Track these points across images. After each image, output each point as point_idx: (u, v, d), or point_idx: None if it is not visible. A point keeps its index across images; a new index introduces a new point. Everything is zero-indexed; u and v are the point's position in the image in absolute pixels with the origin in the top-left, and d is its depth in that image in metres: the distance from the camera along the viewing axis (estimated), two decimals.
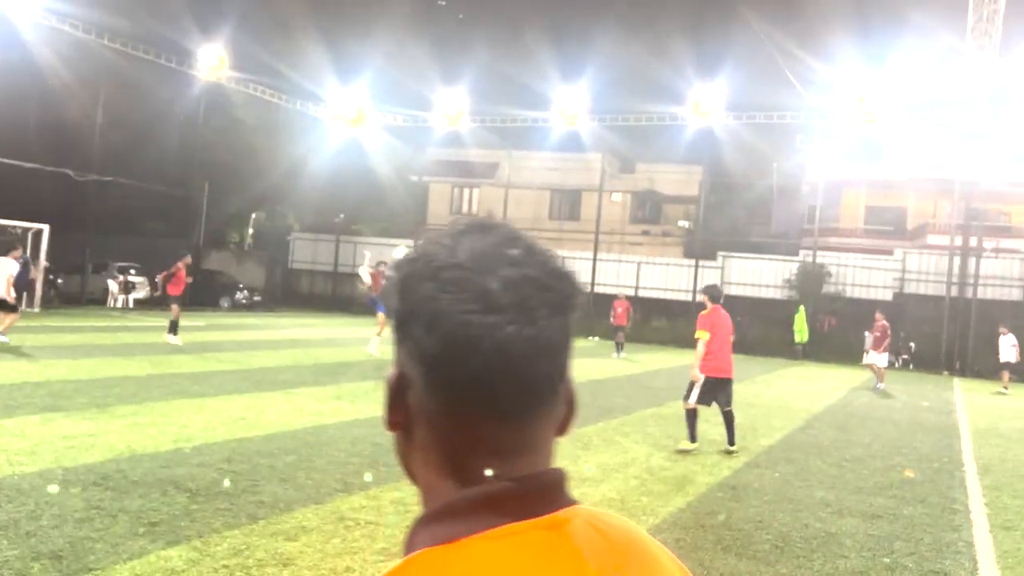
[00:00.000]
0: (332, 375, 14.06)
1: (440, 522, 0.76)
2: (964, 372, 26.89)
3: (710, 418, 12.41)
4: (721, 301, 9.85)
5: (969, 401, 18.65)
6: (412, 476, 0.82)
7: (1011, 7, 25.14)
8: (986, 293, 28.85)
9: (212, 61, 29.72)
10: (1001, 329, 21.71)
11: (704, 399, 9.62)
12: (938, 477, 9.31)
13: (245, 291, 33.33)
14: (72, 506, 5.68)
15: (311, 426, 9.38)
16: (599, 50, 43.08)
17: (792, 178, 41.62)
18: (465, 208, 45.05)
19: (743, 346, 30.21)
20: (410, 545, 0.77)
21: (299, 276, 39.83)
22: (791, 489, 8.03)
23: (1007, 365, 21.50)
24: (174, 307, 17.29)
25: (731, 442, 9.68)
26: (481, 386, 0.73)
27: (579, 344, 21.82)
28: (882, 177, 38.32)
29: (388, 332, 0.86)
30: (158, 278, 19.74)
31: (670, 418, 12.12)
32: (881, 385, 19.11)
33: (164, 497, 6.08)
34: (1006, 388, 21.33)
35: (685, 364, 22.40)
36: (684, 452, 9.47)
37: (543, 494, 0.77)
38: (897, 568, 5.78)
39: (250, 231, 42.89)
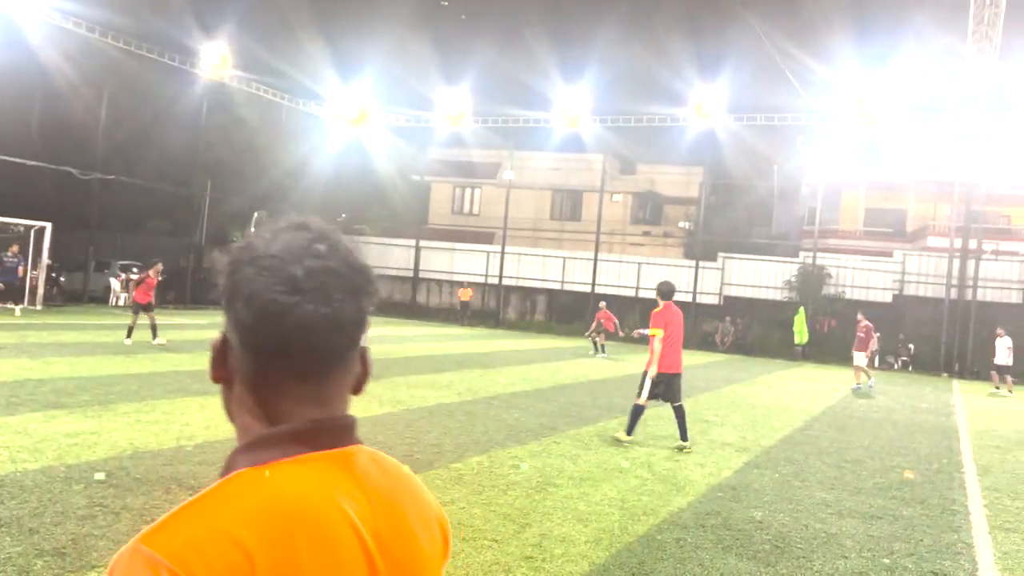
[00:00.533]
0: None
1: (253, 451, 0.97)
2: (963, 374, 26.92)
3: (710, 418, 12.44)
4: (673, 297, 10.00)
5: (968, 403, 18.67)
6: (231, 418, 1.02)
7: (1012, 11, 25.16)
8: (985, 295, 28.88)
9: (215, 60, 29.76)
10: (998, 331, 21.78)
11: (654, 395, 9.74)
12: (937, 478, 9.33)
13: None
14: (75, 503, 5.71)
15: None
16: (601, 51, 43.15)
17: (792, 180, 41.66)
18: (467, 208, 45.11)
19: (744, 347, 30.31)
20: (229, 467, 0.97)
21: None
22: (791, 490, 8.06)
23: (1000, 367, 21.51)
24: (144, 314, 16.84)
25: (683, 437, 9.74)
26: (284, 352, 0.95)
27: (581, 344, 21.68)
28: (882, 179, 38.37)
29: None
30: (130, 284, 19.73)
31: (671, 418, 12.14)
32: (859, 386, 18.90)
33: (167, 495, 6.11)
34: (998, 388, 21.49)
35: (687, 364, 22.41)
36: (619, 442, 9.65)
37: (335, 433, 1.00)
38: (897, 569, 5.80)
39: (252, 230, 42.91)
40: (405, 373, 15.09)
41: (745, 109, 31.15)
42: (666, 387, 9.78)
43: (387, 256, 38.16)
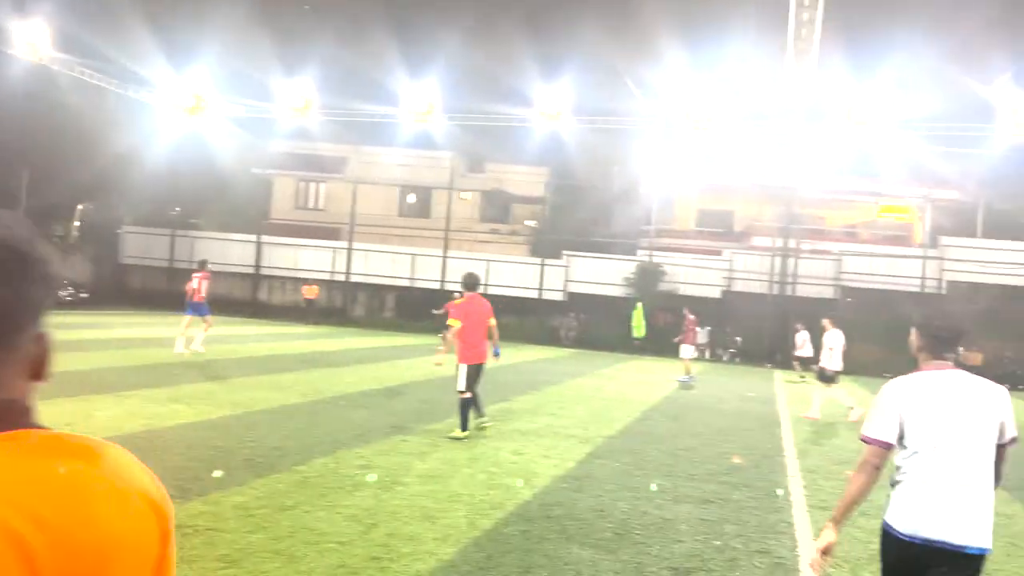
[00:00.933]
0: (168, 377, 13.37)
1: None
2: (784, 365, 28.98)
3: (555, 411, 12.76)
4: (478, 289, 10.34)
5: (788, 391, 20.13)
6: None
7: (827, 27, 27.29)
8: (803, 291, 31.25)
9: (32, 40, 27.45)
10: (797, 325, 22.37)
11: (471, 385, 10.00)
12: (763, 463, 10.01)
13: (70, 288, 31.07)
14: None
15: (144, 430, 8.89)
16: (449, 49, 43.13)
17: (631, 181, 43.37)
18: (312, 203, 43.94)
19: (587, 342, 31.29)
20: None
21: (131, 272, 37.53)
22: (630, 478, 8.40)
23: (802, 359, 21.88)
24: None
25: (463, 427, 9.92)
26: None
27: (430, 341, 21.49)
28: (713, 182, 40.61)
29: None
30: None
31: (518, 412, 12.38)
32: (687, 378, 19.40)
33: None
34: (803, 376, 21.75)
35: (533, 359, 22.95)
36: (457, 439, 9.73)
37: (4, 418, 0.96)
38: (727, 550, 6.18)
39: (76, 224, 39.93)
40: (245, 374, 14.54)
41: (588, 112, 32.14)
42: (476, 377, 10.03)
43: (226, 252, 36.58)
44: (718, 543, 6.34)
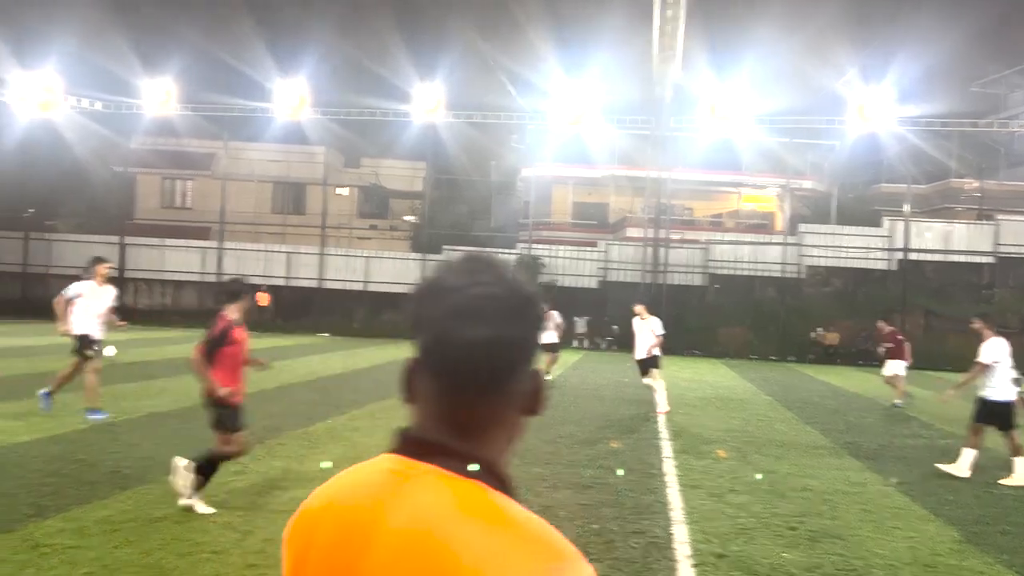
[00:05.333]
0: (25, 388, 12.53)
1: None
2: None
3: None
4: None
5: (662, 375, 20.83)
6: None
7: (690, 25, 28.39)
8: (674, 279, 32.46)
9: None
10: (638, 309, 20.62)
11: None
12: (639, 445, 10.36)
13: None
14: None
15: None
16: (319, 43, 42.30)
17: (509, 175, 43.80)
18: (179, 201, 42.12)
19: None
20: None
21: None
22: (512, 468, 8.50)
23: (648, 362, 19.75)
24: None
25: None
26: (447, 371, 1.06)
27: (309, 341, 21.15)
28: (587, 175, 41.54)
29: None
30: None
31: (400, 408, 12.30)
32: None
33: None
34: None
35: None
36: None
37: (418, 447, 1.05)
38: (604, 532, 6.37)
39: None
40: (110, 383, 13.81)
41: (464, 107, 32.21)
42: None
43: (85, 254, 34.51)
44: (596, 527, 6.52)
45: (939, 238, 32.39)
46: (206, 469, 6.45)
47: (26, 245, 34.40)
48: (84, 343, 10.35)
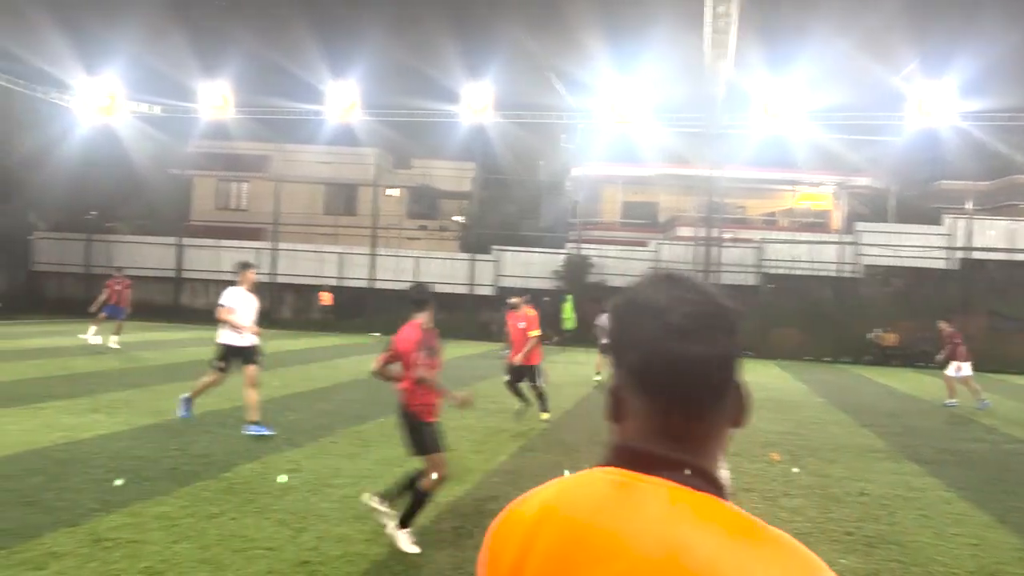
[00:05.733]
0: (87, 386, 12.92)
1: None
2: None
3: (488, 406, 12.80)
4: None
5: None
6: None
7: (743, 21, 27.97)
8: (727, 279, 32.03)
9: None
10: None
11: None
12: None
13: None
14: None
15: (63, 442, 8.59)
16: (370, 45, 42.75)
17: (558, 175, 43.75)
18: (234, 203, 42.98)
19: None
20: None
21: (45, 279, 36.06)
22: (561, 470, 8.49)
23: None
24: None
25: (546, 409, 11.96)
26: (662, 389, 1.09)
27: (361, 340, 21.30)
28: (636, 174, 41.26)
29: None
30: None
31: (449, 408, 12.33)
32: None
33: None
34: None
35: (463, 355, 22.92)
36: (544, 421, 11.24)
37: (640, 460, 1.06)
38: None
39: None
40: (168, 381, 14.16)
41: (512, 107, 32.25)
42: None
43: (145, 256, 35.53)
44: None
45: (1003, 236, 31.38)
46: (416, 508, 5.77)
47: (88, 247, 35.43)
48: (228, 354, 9.79)
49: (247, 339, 9.79)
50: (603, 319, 19.18)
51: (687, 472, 1.04)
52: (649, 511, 1.00)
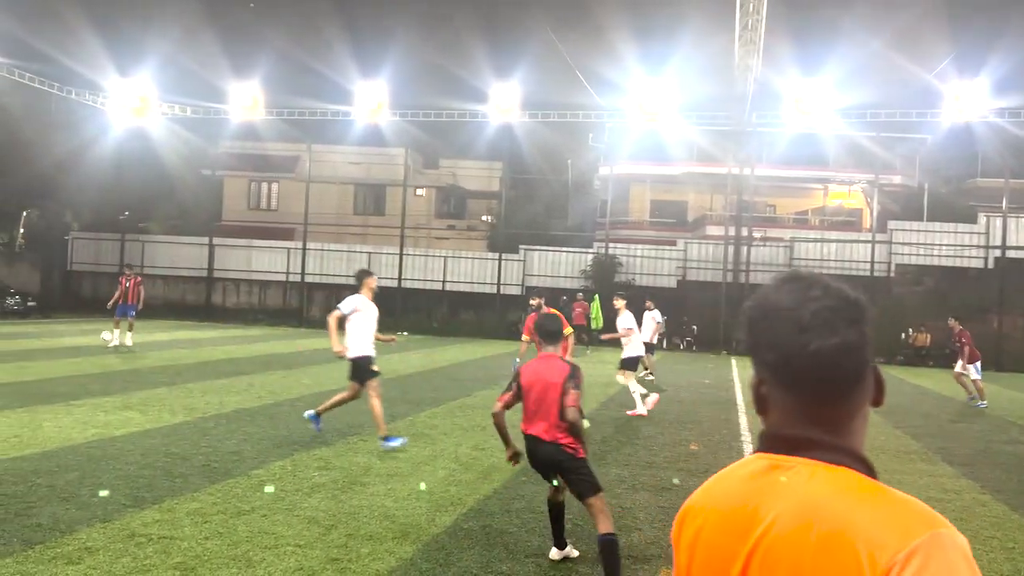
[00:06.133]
0: (120, 383, 13.12)
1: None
2: (739, 351, 29.41)
3: (516, 406, 12.78)
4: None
5: (744, 377, 20.44)
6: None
7: (773, 18, 27.71)
8: (756, 278, 31.72)
9: None
10: (647, 303, 19.10)
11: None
12: (719, 448, 10.16)
13: (17, 296, 30.26)
14: None
15: (96, 439, 8.72)
16: (398, 45, 42.96)
17: (585, 174, 43.64)
18: (264, 203, 43.42)
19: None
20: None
21: (80, 279, 36.66)
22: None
23: (647, 347, 17.58)
24: None
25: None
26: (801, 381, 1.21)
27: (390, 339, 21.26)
28: (665, 173, 41.04)
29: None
30: None
31: (477, 407, 12.38)
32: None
33: None
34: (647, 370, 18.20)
35: (491, 354, 22.97)
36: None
37: (787, 443, 1.19)
38: None
39: (21, 231, 38.91)
40: (200, 379, 14.33)
41: (539, 106, 32.20)
42: None
43: (177, 256, 35.99)
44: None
45: None
46: (618, 561, 5.02)
47: (122, 247, 35.96)
48: (363, 365, 9.26)
49: (367, 348, 9.24)
50: (656, 314, 19.07)
51: (825, 450, 1.15)
52: (790, 487, 1.13)
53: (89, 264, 36.47)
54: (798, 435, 1.17)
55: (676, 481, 8.09)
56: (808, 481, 1.13)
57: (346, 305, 9.15)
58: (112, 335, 19.47)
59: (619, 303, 13.43)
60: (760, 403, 1.23)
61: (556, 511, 5.63)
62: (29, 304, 30.49)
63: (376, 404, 9.10)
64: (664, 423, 11.91)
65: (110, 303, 20.41)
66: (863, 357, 1.18)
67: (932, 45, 34.16)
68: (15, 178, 31.08)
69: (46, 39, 30.09)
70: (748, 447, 10.33)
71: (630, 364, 13.22)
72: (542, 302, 12.93)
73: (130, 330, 19.74)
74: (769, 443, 1.21)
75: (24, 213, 38.56)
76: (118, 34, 33.36)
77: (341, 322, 9.13)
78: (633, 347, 13.26)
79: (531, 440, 5.34)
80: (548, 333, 5.57)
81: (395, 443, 8.97)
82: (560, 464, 5.27)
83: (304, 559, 5.28)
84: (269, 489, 6.97)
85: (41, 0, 34.71)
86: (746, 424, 12.29)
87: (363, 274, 9.47)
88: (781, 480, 1.15)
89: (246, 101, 32.38)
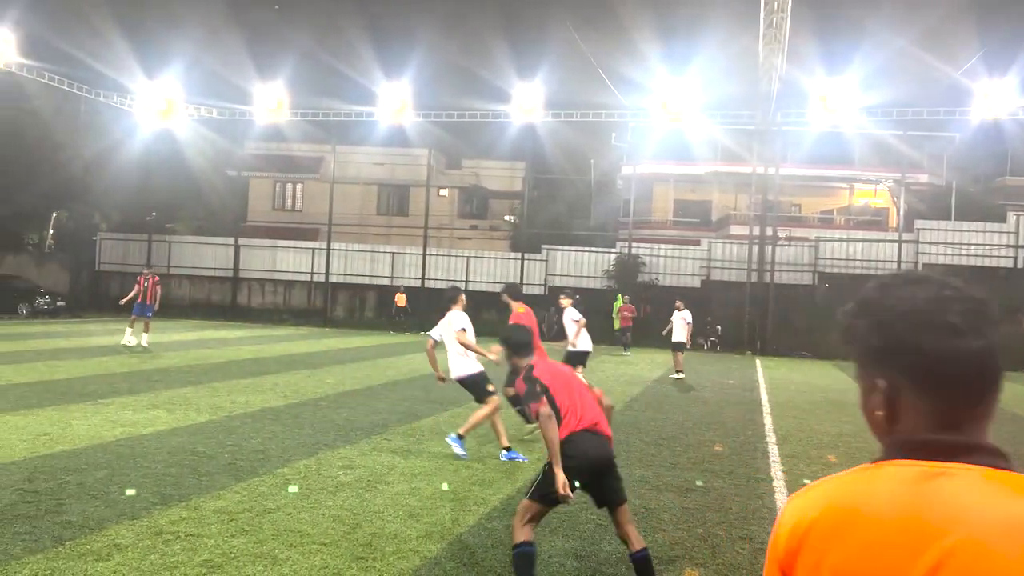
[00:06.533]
0: (148, 382, 13.27)
1: (882, 454, 1.18)
2: (764, 351, 29.20)
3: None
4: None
5: (769, 377, 20.28)
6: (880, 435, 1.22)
7: (796, 18, 27.48)
8: (781, 278, 31.48)
9: None
10: (677, 303, 19.63)
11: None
12: (743, 450, 10.09)
13: (47, 296, 30.73)
14: None
15: (124, 438, 8.83)
16: (422, 46, 43.08)
17: (608, 174, 43.53)
18: (289, 204, 43.74)
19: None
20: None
21: (108, 279, 37.14)
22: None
23: (676, 344, 18.98)
24: None
25: None
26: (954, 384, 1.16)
27: (413, 339, 21.46)
28: (688, 172, 40.82)
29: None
30: None
31: (500, 407, 12.35)
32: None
33: None
34: (680, 373, 18.74)
35: None
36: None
37: (939, 449, 1.13)
38: (709, 537, 6.23)
39: (50, 231, 39.51)
40: (226, 378, 14.46)
41: (562, 106, 32.15)
42: None
43: (203, 256, 36.35)
44: (700, 531, 6.38)
45: None
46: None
47: (150, 247, 36.39)
48: (482, 381, 9.17)
49: (476, 364, 9.18)
50: (686, 314, 19.39)
51: (984, 454, 1.12)
52: (971, 496, 1.07)
53: (117, 264, 36.94)
54: (955, 441, 1.13)
55: (700, 483, 8.05)
56: (986, 487, 1.08)
57: (460, 321, 9.13)
58: (129, 335, 19.23)
59: (565, 301, 13.48)
60: (889, 410, 1.17)
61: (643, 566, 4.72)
62: (59, 304, 30.95)
63: (486, 414, 8.93)
64: (686, 424, 11.85)
65: (123, 300, 20.47)
66: (1000, 356, 1.17)
67: (960, 43, 33.71)
68: (45, 180, 31.55)
69: (75, 43, 30.54)
70: (773, 448, 10.25)
71: (581, 359, 13.06)
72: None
73: (146, 331, 19.58)
74: (915, 451, 1.14)
75: (54, 214, 39.14)
76: (145, 37, 33.78)
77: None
78: (583, 342, 13.21)
79: (593, 438, 4.72)
80: (519, 345, 5.15)
81: (518, 458, 8.80)
82: (612, 461, 4.81)
83: (329, 557, 5.31)
84: (294, 488, 7.02)
85: (70, 4, 35.20)
86: (771, 425, 12.20)
87: (457, 291, 9.53)
88: (956, 489, 1.08)
89: (271, 103, 32.64)
